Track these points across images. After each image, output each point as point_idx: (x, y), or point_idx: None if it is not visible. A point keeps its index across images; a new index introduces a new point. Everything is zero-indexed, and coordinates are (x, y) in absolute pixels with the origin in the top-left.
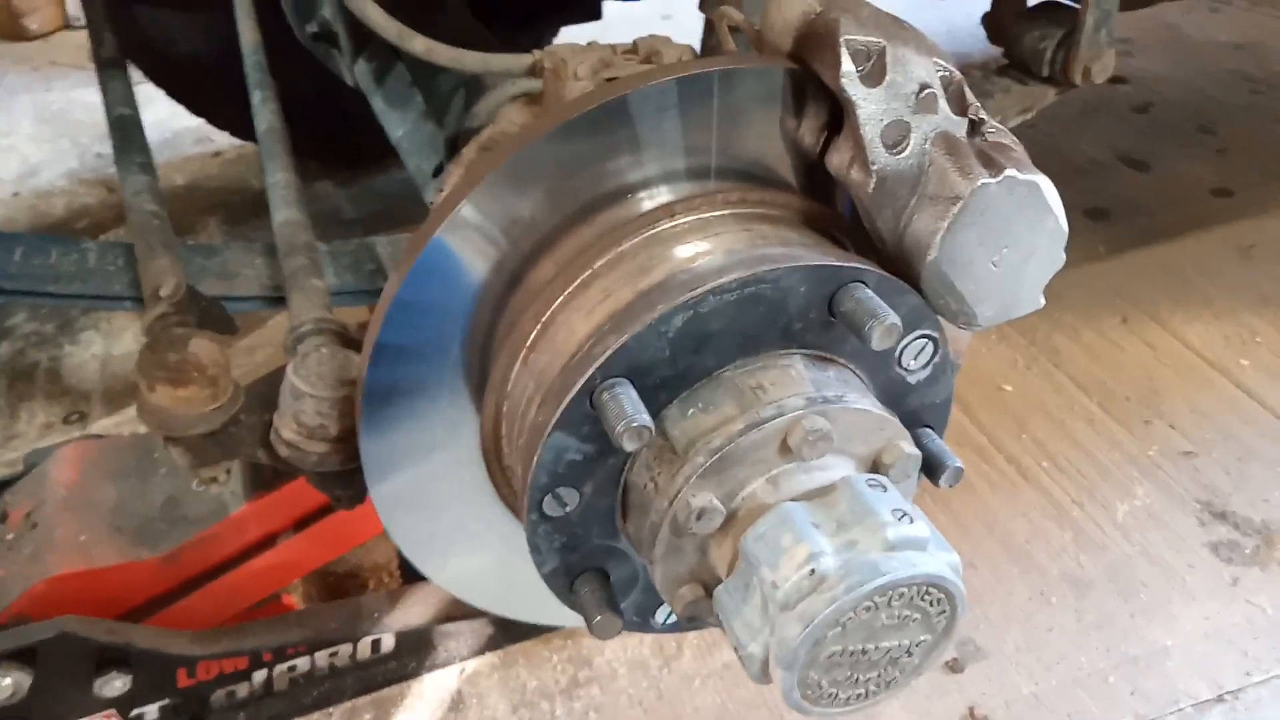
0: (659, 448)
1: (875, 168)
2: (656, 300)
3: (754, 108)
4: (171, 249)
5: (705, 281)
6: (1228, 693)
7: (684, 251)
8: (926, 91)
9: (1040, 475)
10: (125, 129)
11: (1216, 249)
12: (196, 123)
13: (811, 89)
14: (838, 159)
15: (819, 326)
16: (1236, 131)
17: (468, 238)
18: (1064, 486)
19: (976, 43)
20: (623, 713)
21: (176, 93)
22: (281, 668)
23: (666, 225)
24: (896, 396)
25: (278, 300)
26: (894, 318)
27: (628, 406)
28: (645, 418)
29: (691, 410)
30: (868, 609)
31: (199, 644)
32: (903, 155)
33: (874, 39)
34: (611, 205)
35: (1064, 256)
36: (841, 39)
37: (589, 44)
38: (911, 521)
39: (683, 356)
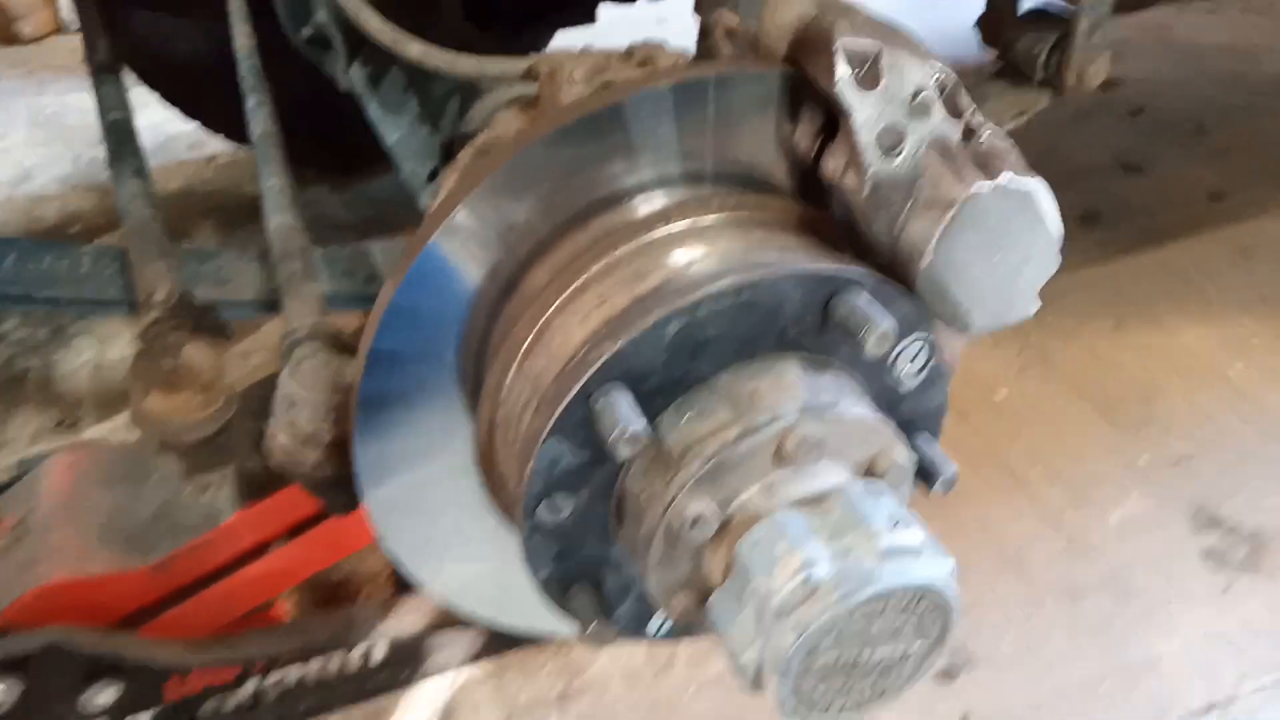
0: (654, 454)
1: (870, 173)
2: (652, 306)
3: (749, 112)
4: (166, 254)
5: (701, 287)
6: (1220, 699)
7: (680, 257)
8: (921, 96)
9: (1034, 481)
10: (119, 134)
11: (1212, 252)
12: (190, 127)
13: (807, 94)
14: (833, 164)
15: (814, 332)
16: (1231, 134)
17: (463, 244)
18: (1058, 492)
19: (969, 47)
20: None
21: (170, 97)
22: (273, 677)
23: (662, 230)
24: (891, 402)
25: (272, 305)
26: (889, 323)
27: (623, 413)
28: (641, 424)
29: (686, 416)
30: (863, 617)
31: (190, 653)
32: (898, 160)
33: (869, 44)
34: (607, 210)
35: (1058, 261)
36: (837, 44)
37: (584, 49)
38: (906, 528)
39: (678, 362)
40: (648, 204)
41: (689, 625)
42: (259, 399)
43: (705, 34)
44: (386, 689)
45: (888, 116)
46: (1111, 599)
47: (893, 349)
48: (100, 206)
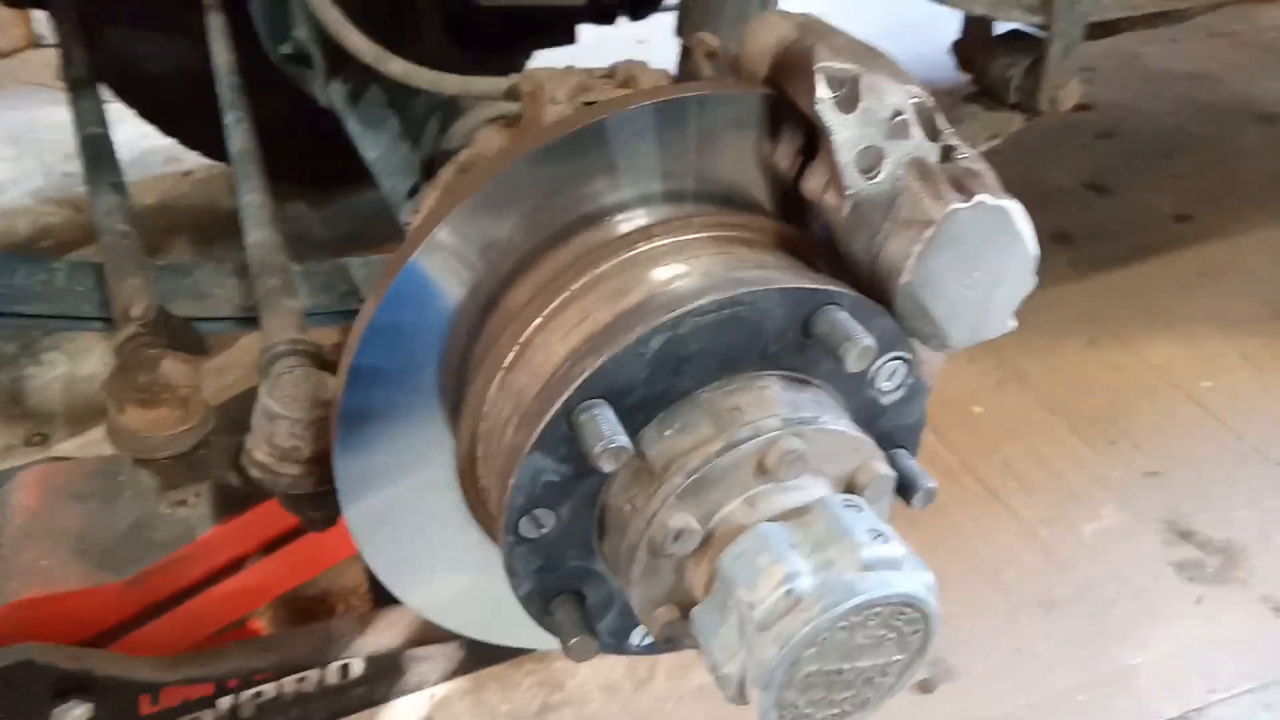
0: (636, 469)
1: (850, 192)
2: (635, 322)
3: (730, 132)
4: (143, 269)
5: (683, 304)
6: (1193, 710)
7: (662, 274)
8: (899, 118)
9: (1010, 495)
10: (96, 148)
11: (1178, 273)
12: (166, 142)
13: (787, 114)
14: (813, 183)
15: (795, 348)
16: (1196, 158)
17: (445, 261)
18: (1033, 507)
19: (944, 70)
20: None
21: (147, 112)
22: (248, 694)
23: (644, 248)
24: (870, 418)
25: (250, 321)
26: (869, 340)
27: (605, 428)
28: (623, 439)
29: (669, 431)
30: (844, 629)
31: (163, 670)
32: (876, 180)
33: (848, 66)
34: (589, 228)
35: (1034, 280)
36: (817, 66)
37: (567, 68)
38: (886, 541)
39: (660, 378)
40: (630, 221)
41: (671, 638)
42: (237, 414)
43: (686, 55)
44: (364, 705)
45: (867, 137)
46: (1087, 611)
47: (872, 365)
48: (73, 221)
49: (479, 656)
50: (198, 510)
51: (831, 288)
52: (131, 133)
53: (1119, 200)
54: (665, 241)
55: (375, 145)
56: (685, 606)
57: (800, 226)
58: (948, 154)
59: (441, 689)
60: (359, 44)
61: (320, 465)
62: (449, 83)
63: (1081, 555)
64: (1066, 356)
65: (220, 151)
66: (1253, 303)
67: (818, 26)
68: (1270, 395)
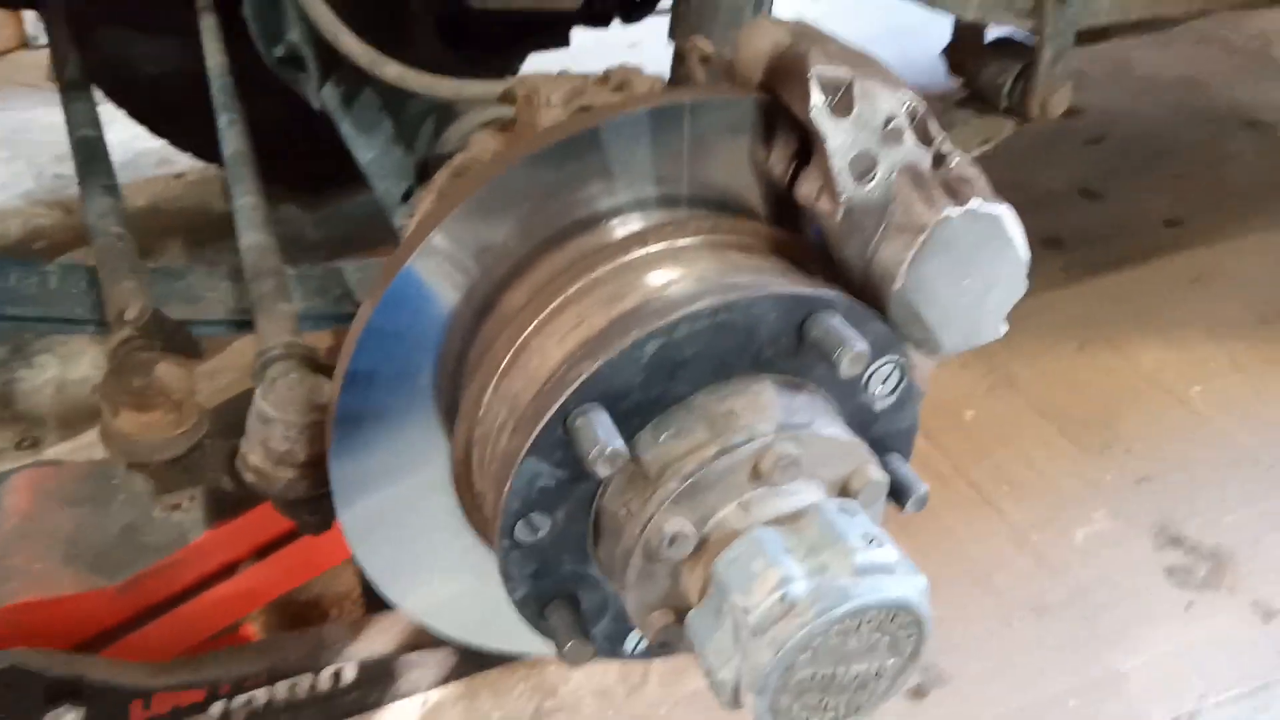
0: (631, 473)
1: (843, 198)
2: (630, 326)
3: (724, 137)
4: (136, 272)
5: (678, 308)
6: (1184, 715)
7: (656, 278)
8: (893, 124)
9: (1001, 500)
10: (89, 151)
11: (1169, 277)
12: (158, 144)
13: (781, 120)
14: (807, 188)
15: (789, 353)
16: (1186, 163)
17: (440, 265)
18: (1024, 511)
19: (936, 75)
20: None
21: (138, 114)
22: (240, 700)
23: (639, 253)
24: (864, 422)
25: (244, 324)
26: (862, 344)
27: (601, 432)
28: (619, 443)
29: (664, 436)
30: (838, 633)
31: (154, 676)
32: (870, 186)
33: (842, 72)
34: (584, 232)
35: (1025, 285)
36: (811, 72)
37: (561, 73)
38: (880, 546)
39: (655, 382)
40: (625, 226)
41: (666, 643)
42: (230, 418)
43: (680, 59)
44: (357, 710)
45: (860, 143)
46: (1078, 616)
47: (866, 370)
48: (64, 223)
49: (472, 662)
50: (190, 515)
51: (825, 293)
52: (123, 135)
53: (1110, 205)
54: (660, 246)
55: (369, 148)
56: (680, 611)
57: (794, 231)
58: (940, 159)
59: (434, 694)
60: (353, 47)
61: (315, 469)
62: (443, 86)
63: (1073, 560)
64: (1058, 361)
65: (211, 153)
66: (1243, 307)
67: (811, 32)
68: (1261, 400)
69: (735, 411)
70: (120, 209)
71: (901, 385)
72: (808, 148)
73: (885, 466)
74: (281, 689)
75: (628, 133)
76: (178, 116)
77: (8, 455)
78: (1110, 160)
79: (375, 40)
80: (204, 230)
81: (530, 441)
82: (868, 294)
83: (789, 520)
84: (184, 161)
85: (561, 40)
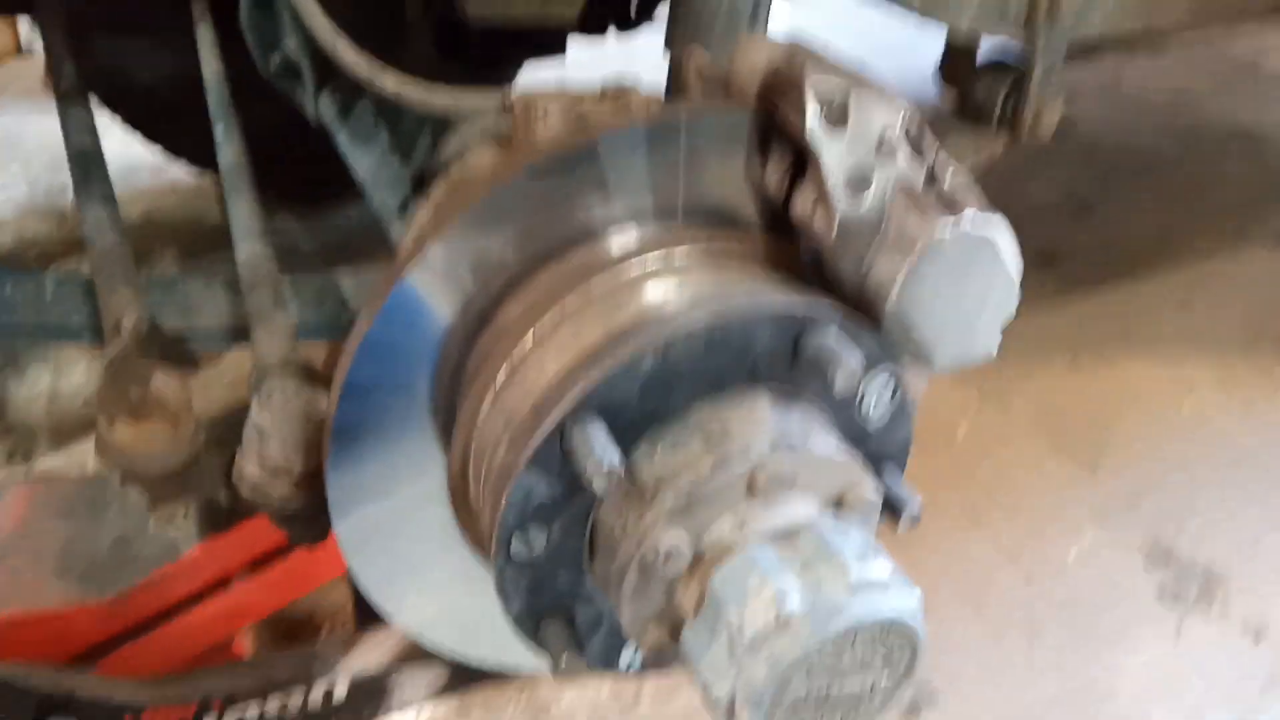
0: (628, 487)
1: (838, 212)
2: (627, 340)
3: (720, 152)
4: (133, 282)
5: (674, 322)
6: None
7: (653, 292)
8: (888, 138)
9: (992, 517)
10: (86, 160)
11: (1159, 294)
12: (153, 154)
13: (776, 134)
14: (802, 203)
15: (784, 368)
16: (1175, 178)
17: (437, 278)
18: (1015, 529)
19: (928, 92)
20: None
21: (133, 122)
22: (231, 715)
23: (636, 266)
24: (859, 436)
25: (240, 335)
26: (857, 359)
27: (598, 446)
28: (616, 457)
29: (660, 450)
30: (833, 649)
31: (145, 691)
32: (865, 202)
33: (838, 87)
34: (581, 246)
35: (1018, 300)
36: (807, 87)
37: (558, 86)
38: (875, 561)
39: (652, 397)
40: (621, 239)
41: (661, 658)
42: (224, 430)
43: (676, 73)
44: None
45: (856, 157)
46: (1069, 634)
47: (860, 385)
48: (58, 232)
49: (464, 678)
50: (183, 528)
51: (820, 308)
52: (118, 144)
53: (1100, 220)
54: (656, 260)
55: (365, 159)
56: (675, 627)
57: (789, 245)
58: (934, 176)
59: (426, 711)
60: (351, 58)
61: (311, 482)
62: (440, 98)
63: (1064, 578)
64: (1048, 378)
65: (205, 160)
66: (1233, 324)
67: (807, 49)
68: (1251, 418)
69: (730, 426)
70: (117, 219)
71: (896, 400)
72: (803, 162)
73: (880, 481)
74: (273, 704)
75: (624, 147)
76: (171, 124)
77: None
78: (1101, 176)
79: (371, 50)
80: (198, 240)
81: (527, 455)
82: (862, 308)
83: (784, 536)
84: (178, 171)
85: (558, 50)
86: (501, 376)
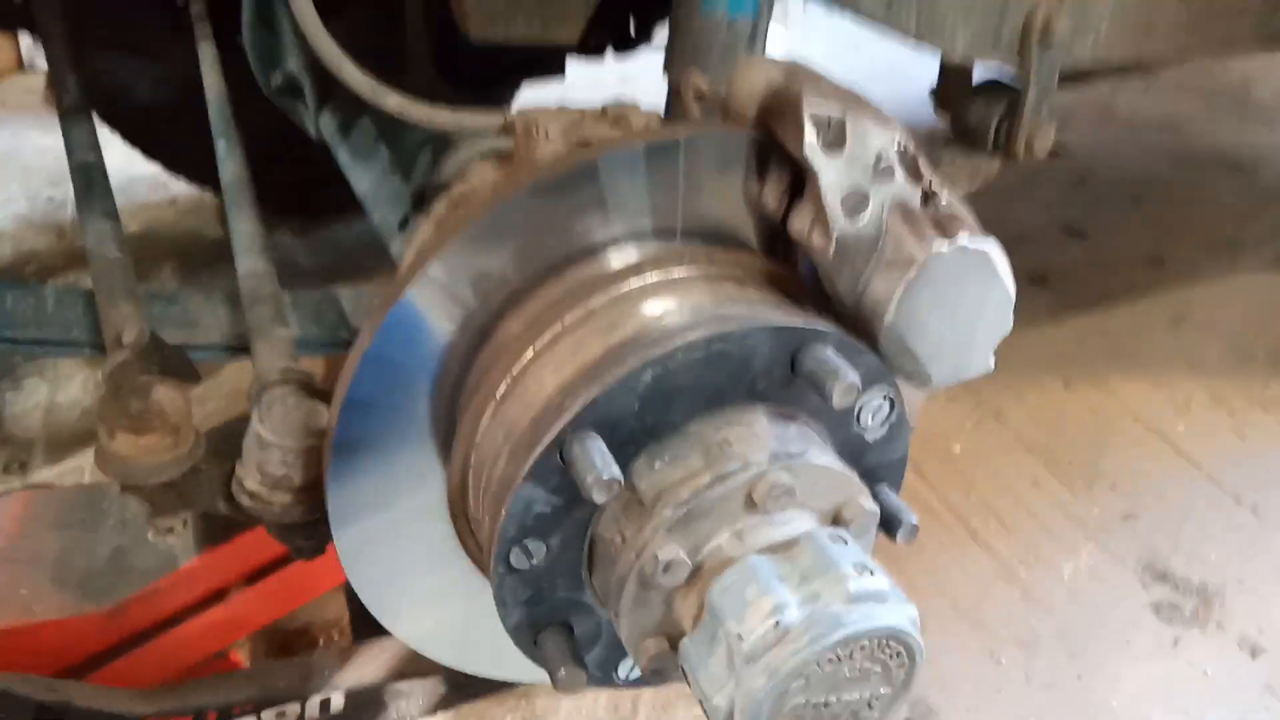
0: (626, 500)
1: (835, 233)
2: (626, 355)
3: (719, 172)
4: (134, 296)
5: (673, 339)
6: None
7: (652, 309)
8: (884, 161)
9: (989, 535)
10: (88, 175)
11: (1152, 316)
12: (152, 169)
13: (774, 156)
14: (799, 223)
15: (782, 384)
16: (1167, 204)
17: (438, 294)
18: (1011, 546)
19: (924, 114)
20: None
21: (132, 138)
22: None
23: (634, 283)
24: (855, 453)
25: (240, 349)
26: (854, 376)
27: (597, 459)
28: (615, 470)
29: (659, 464)
30: (831, 661)
31: (142, 702)
32: (861, 221)
33: (835, 110)
34: (581, 263)
35: (1012, 320)
36: (804, 110)
37: (559, 106)
38: (872, 574)
39: (650, 411)
40: (620, 257)
41: (659, 670)
42: (225, 442)
43: (675, 94)
44: None
45: (852, 179)
46: (1065, 652)
47: (857, 401)
48: (57, 246)
49: (460, 691)
50: (181, 539)
51: (817, 325)
52: (117, 160)
53: (1093, 244)
54: (655, 277)
55: (366, 177)
56: (674, 638)
57: (787, 264)
58: (930, 197)
59: None
60: (355, 78)
61: (310, 494)
62: (442, 117)
63: (1060, 595)
64: (1044, 397)
65: (203, 175)
66: (1225, 346)
67: (805, 71)
68: (1243, 438)
69: (729, 440)
70: (119, 233)
71: (892, 417)
72: (800, 183)
73: (876, 497)
74: (269, 716)
75: (624, 166)
76: (169, 140)
77: None
78: (1093, 200)
79: (371, 70)
80: (197, 256)
81: (527, 468)
82: (859, 327)
83: (782, 548)
84: (178, 187)
85: (556, 72)
86: (501, 390)
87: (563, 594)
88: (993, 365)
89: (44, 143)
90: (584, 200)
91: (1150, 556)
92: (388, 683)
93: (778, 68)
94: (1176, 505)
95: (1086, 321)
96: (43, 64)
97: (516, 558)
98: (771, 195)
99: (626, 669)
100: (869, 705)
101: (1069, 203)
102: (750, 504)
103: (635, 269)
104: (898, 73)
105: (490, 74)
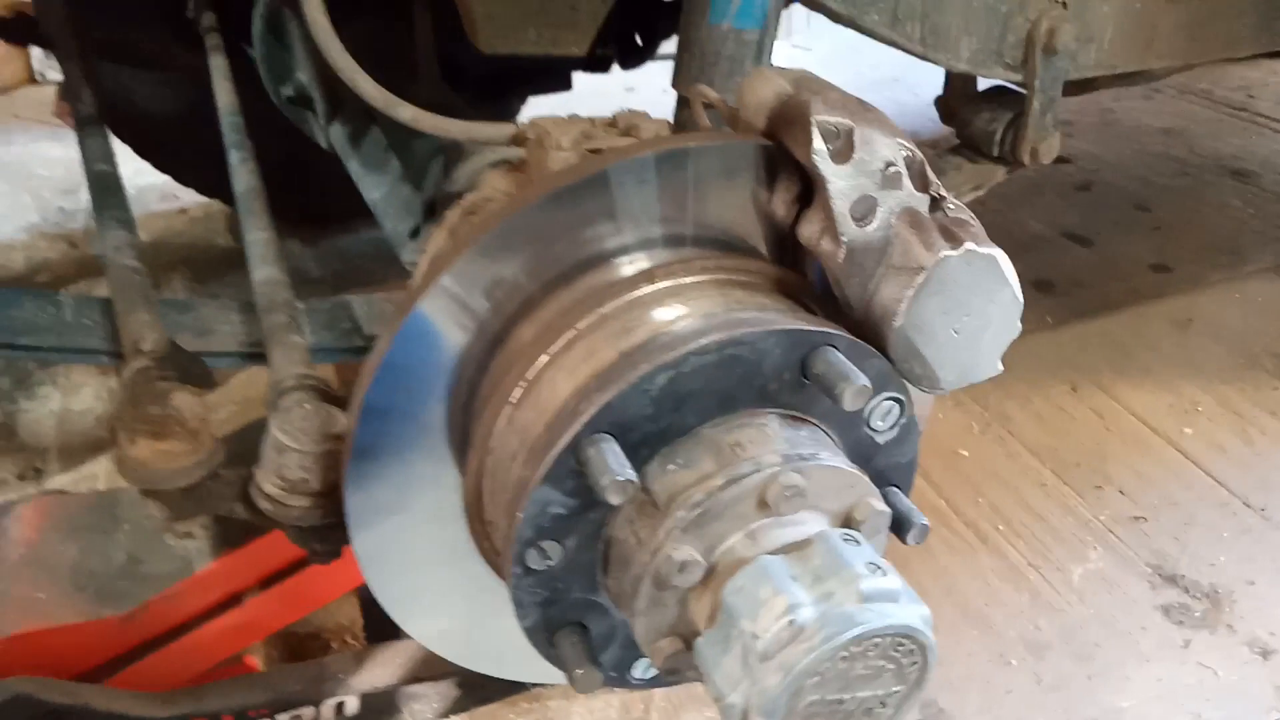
0: (640, 502)
1: (844, 239)
2: (639, 360)
3: (728, 180)
4: (152, 304)
5: (685, 343)
6: None
7: (664, 314)
8: (892, 169)
9: (997, 538)
10: (104, 185)
11: (1157, 322)
12: (162, 179)
13: (783, 164)
14: (808, 230)
15: (792, 387)
16: (1170, 210)
17: (453, 302)
18: (1020, 550)
19: (927, 122)
20: None
21: (142, 150)
22: None
23: (646, 289)
24: (865, 456)
25: (254, 356)
26: (864, 380)
27: (613, 461)
28: (630, 472)
29: (672, 466)
30: (844, 659)
31: (159, 705)
32: (870, 228)
33: (843, 120)
34: (593, 270)
35: (1019, 325)
36: (813, 119)
37: (570, 116)
38: (884, 574)
39: (664, 414)
40: (632, 264)
41: (674, 670)
42: (238, 448)
43: (683, 105)
44: None
45: (861, 187)
46: (1074, 655)
47: (867, 404)
48: (68, 256)
49: (474, 694)
50: (196, 544)
51: (827, 330)
52: (126, 170)
53: (1098, 250)
54: (666, 284)
55: (377, 186)
56: (688, 638)
57: (795, 271)
58: (937, 204)
59: None
60: (369, 90)
61: (328, 498)
62: (454, 128)
63: (1070, 598)
64: (1050, 402)
65: (213, 188)
66: (1229, 351)
67: (813, 82)
68: (1249, 442)
69: (741, 443)
70: (135, 242)
71: (902, 420)
72: (809, 191)
73: (886, 499)
74: (284, 719)
75: (636, 175)
76: (180, 152)
77: (11, 486)
78: (1097, 207)
79: (382, 81)
80: (206, 265)
81: (543, 470)
82: (868, 332)
83: (795, 549)
84: (188, 196)
85: (564, 84)
86: (516, 395)
87: (578, 595)
88: (1001, 368)
89: (55, 154)
90: (596, 208)
91: (1159, 559)
92: (401, 686)
93: (786, 78)
94: (1185, 508)
95: (1092, 327)
96: (53, 76)
97: (533, 559)
98: (781, 203)
99: (641, 669)
100: (882, 703)
101: (1073, 209)
102: (763, 505)
103: (647, 275)
104: (902, 82)
105: (499, 86)
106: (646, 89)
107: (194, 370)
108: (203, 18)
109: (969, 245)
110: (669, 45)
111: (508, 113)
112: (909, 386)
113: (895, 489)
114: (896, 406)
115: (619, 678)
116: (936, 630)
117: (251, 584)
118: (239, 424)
